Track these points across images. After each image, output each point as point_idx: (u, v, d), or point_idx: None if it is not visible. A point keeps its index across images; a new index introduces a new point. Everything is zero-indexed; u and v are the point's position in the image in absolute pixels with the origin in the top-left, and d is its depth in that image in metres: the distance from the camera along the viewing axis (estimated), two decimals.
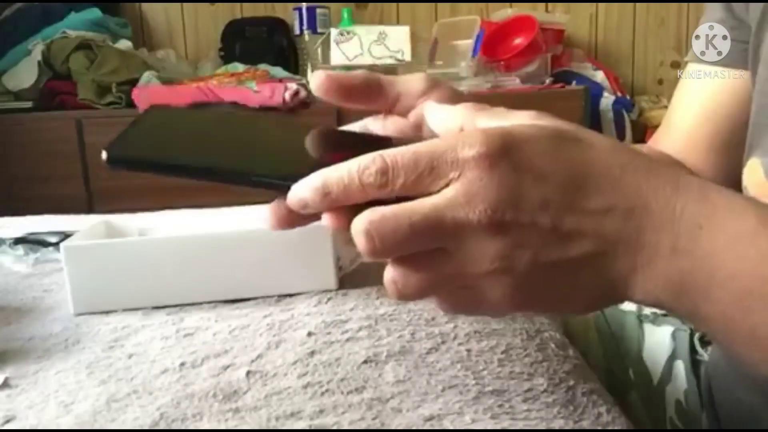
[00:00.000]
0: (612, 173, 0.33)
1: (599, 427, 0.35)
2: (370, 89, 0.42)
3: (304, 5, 1.98)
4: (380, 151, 0.33)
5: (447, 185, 0.32)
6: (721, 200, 0.34)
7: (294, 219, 0.36)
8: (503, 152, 0.32)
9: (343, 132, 0.42)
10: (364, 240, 0.33)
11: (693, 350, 0.64)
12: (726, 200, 0.34)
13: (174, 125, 0.40)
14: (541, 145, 0.33)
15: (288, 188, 0.35)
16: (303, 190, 0.34)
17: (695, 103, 0.62)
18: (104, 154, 0.34)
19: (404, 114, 0.43)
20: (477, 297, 0.35)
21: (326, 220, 0.35)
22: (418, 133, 0.43)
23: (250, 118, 0.43)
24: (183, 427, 0.34)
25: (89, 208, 1.68)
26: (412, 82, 0.43)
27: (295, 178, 0.35)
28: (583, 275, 0.34)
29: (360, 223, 0.33)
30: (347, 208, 0.34)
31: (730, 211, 0.33)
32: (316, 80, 0.40)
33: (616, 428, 0.35)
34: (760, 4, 0.53)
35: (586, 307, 0.37)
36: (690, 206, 0.33)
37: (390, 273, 0.35)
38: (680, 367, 0.65)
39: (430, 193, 0.33)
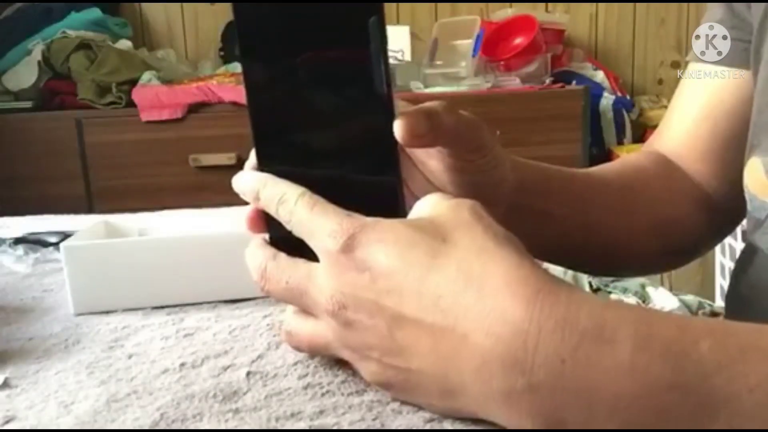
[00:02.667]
0: (453, 289, 0.30)
1: None
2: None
3: None
4: (302, 191, 0.36)
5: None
6: (588, 326, 0.29)
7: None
8: (345, 249, 0.33)
9: None
10: (257, 274, 0.37)
11: None
12: (594, 326, 0.29)
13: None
14: (387, 247, 0.32)
15: None
16: (248, 181, 0.38)
17: (694, 102, 0.62)
18: None
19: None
20: (362, 374, 0.36)
21: (247, 219, 0.39)
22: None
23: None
24: (183, 428, 0.34)
25: (89, 208, 1.68)
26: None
27: None
28: (432, 394, 0.32)
29: (260, 257, 0.37)
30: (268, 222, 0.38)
31: (600, 340, 0.28)
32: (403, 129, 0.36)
33: None
34: (762, 4, 0.53)
35: (452, 412, 0.34)
36: (548, 337, 0.28)
37: (285, 322, 0.39)
38: None
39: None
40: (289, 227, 0.36)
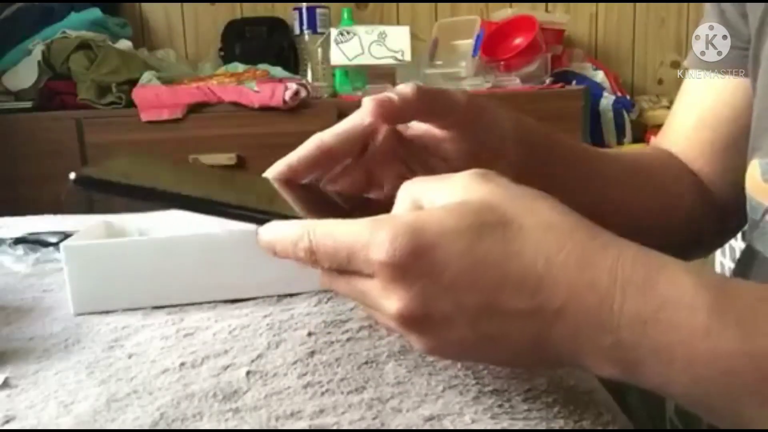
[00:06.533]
0: (536, 270, 0.31)
1: (599, 427, 0.35)
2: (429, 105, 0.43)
3: (304, 5, 1.98)
4: (309, 229, 0.34)
5: (368, 274, 0.33)
6: (669, 291, 0.31)
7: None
8: (411, 259, 0.31)
9: (308, 186, 0.45)
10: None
11: None
12: (674, 291, 0.31)
13: (142, 164, 0.43)
14: (454, 245, 0.31)
15: (258, 220, 0.37)
16: (265, 235, 0.36)
17: (692, 108, 0.63)
18: (72, 175, 0.34)
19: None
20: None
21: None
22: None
23: (212, 170, 0.47)
24: (183, 427, 0.34)
25: (89, 208, 1.68)
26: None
27: (266, 214, 0.37)
28: (520, 360, 0.35)
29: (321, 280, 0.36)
30: None
31: (679, 305, 0.30)
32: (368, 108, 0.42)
33: (616, 428, 0.35)
34: (759, 11, 0.53)
35: (540, 367, 0.38)
36: (630, 301, 0.31)
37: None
38: None
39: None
40: (318, 266, 0.34)
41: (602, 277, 0.31)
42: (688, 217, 0.60)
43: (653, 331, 0.30)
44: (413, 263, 0.31)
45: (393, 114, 0.42)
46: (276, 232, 0.35)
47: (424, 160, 0.46)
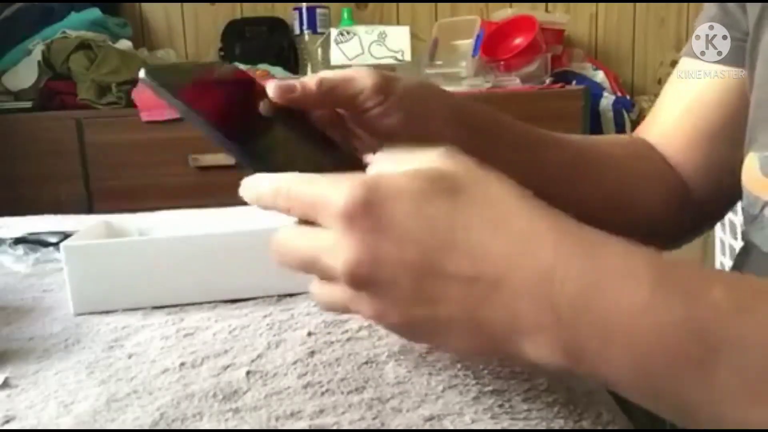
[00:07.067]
0: (480, 238, 0.31)
1: (599, 427, 0.35)
2: (325, 92, 0.45)
3: (304, 5, 1.98)
4: (292, 178, 0.36)
5: (327, 227, 0.34)
6: (611, 263, 0.31)
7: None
8: (362, 212, 0.32)
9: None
10: (273, 251, 0.37)
11: None
12: (617, 263, 0.31)
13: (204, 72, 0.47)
14: (404, 204, 0.32)
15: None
16: (249, 188, 0.38)
17: (677, 98, 0.62)
18: (143, 72, 0.38)
19: (365, 109, 0.46)
20: (383, 325, 0.36)
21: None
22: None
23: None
24: (183, 427, 0.34)
25: (89, 208, 1.68)
26: (364, 80, 0.46)
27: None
28: (459, 334, 0.34)
29: (274, 238, 0.37)
30: None
31: (621, 277, 0.30)
32: (272, 91, 0.45)
33: (616, 428, 0.35)
34: (758, 5, 0.53)
35: (482, 354, 0.38)
36: (572, 274, 0.30)
37: (312, 286, 0.38)
38: None
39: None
40: (291, 213, 0.36)
41: (542, 250, 0.31)
42: (652, 211, 0.60)
43: (596, 306, 0.30)
44: (363, 216, 0.32)
45: (294, 101, 0.45)
46: (257, 184, 0.37)
47: (358, 136, 0.49)
